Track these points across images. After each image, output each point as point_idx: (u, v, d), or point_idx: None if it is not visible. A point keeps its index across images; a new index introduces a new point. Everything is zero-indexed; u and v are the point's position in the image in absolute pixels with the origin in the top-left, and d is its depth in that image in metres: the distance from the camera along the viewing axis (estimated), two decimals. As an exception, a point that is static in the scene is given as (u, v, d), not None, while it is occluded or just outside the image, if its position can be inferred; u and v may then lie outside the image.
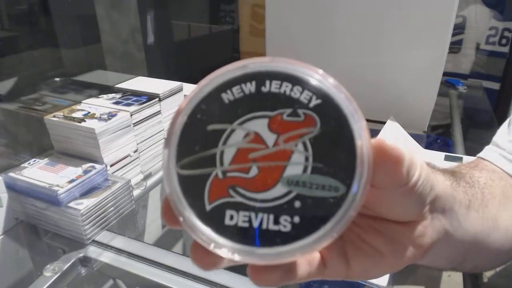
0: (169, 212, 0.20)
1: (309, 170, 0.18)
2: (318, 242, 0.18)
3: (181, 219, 0.19)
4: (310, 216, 0.18)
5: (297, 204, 0.18)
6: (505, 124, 0.46)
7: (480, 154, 0.44)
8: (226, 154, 0.18)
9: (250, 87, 0.18)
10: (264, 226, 0.18)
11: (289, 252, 0.18)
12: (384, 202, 0.22)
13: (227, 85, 0.19)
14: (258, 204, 0.18)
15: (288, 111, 0.18)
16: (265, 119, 0.18)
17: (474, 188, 0.32)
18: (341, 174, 0.18)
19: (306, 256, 0.19)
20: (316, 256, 0.23)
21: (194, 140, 0.19)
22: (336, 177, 0.18)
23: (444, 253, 0.29)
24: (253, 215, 0.18)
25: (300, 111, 0.18)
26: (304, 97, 0.18)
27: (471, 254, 0.32)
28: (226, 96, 0.19)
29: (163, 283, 0.54)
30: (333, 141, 0.18)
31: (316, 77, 0.19)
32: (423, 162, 0.22)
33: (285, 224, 0.18)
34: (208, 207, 0.18)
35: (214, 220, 0.18)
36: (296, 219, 0.18)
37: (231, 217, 0.18)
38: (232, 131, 0.18)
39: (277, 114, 0.18)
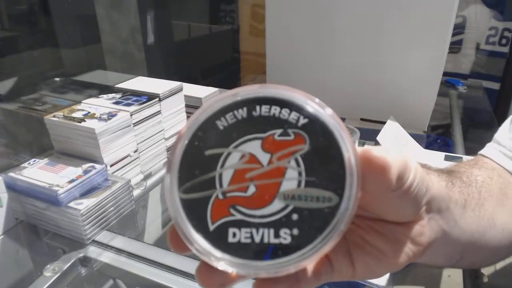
0: (175, 238, 0.21)
1: (303, 184, 0.19)
2: (318, 251, 0.19)
3: (186, 241, 0.20)
4: (308, 226, 0.19)
5: (295, 216, 0.19)
6: (507, 122, 0.47)
7: (481, 151, 0.44)
8: (224, 176, 0.20)
9: (242, 113, 0.20)
10: (265, 240, 0.19)
11: (292, 262, 0.19)
12: (382, 205, 0.23)
13: (221, 112, 0.20)
14: (258, 220, 0.20)
15: (279, 131, 0.20)
16: (258, 141, 0.20)
17: (471, 187, 0.33)
18: (333, 185, 0.19)
19: (310, 264, 0.20)
20: (324, 260, 0.24)
21: (194, 165, 0.20)
22: (328, 188, 0.19)
23: (442, 251, 0.30)
24: (254, 231, 0.19)
25: (289, 131, 0.20)
26: (292, 117, 0.20)
27: (468, 251, 0.32)
28: (221, 123, 0.20)
29: (163, 283, 0.54)
30: (322, 156, 0.19)
31: (301, 98, 0.20)
32: (418, 165, 0.22)
33: (285, 237, 0.19)
34: (211, 227, 0.20)
35: (218, 238, 0.20)
36: (295, 231, 0.19)
37: (234, 235, 0.20)
38: (229, 154, 0.20)
39: (269, 135, 0.20)
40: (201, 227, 0.20)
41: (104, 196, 0.62)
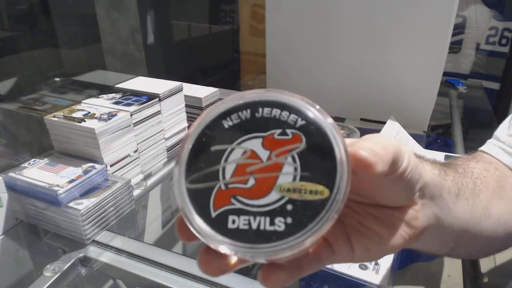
0: (182, 227, 0.23)
1: (298, 178, 0.21)
2: (310, 236, 0.21)
3: (191, 226, 0.22)
4: (300, 216, 0.21)
5: (289, 207, 0.21)
6: (507, 119, 0.48)
7: (481, 148, 0.46)
8: (227, 169, 0.22)
9: (246, 114, 0.22)
10: (261, 227, 0.21)
11: (286, 246, 0.21)
12: (378, 190, 0.25)
13: (227, 113, 0.22)
14: (255, 209, 0.22)
15: (278, 131, 0.22)
16: (259, 139, 0.22)
17: (466, 178, 0.34)
18: (325, 180, 0.21)
19: (303, 248, 0.21)
20: (324, 245, 0.26)
21: (200, 159, 0.22)
22: (321, 183, 0.21)
23: (436, 237, 0.31)
24: (252, 218, 0.21)
25: (288, 131, 0.22)
26: (291, 119, 0.22)
27: (463, 239, 0.34)
28: (226, 122, 0.22)
29: (163, 283, 0.54)
30: (316, 154, 0.22)
31: (300, 102, 0.22)
32: (411, 152, 0.24)
33: (279, 225, 0.21)
34: (213, 214, 0.22)
35: (219, 224, 0.21)
36: (289, 219, 0.21)
37: (233, 221, 0.21)
38: (232, 150, 0.22)
39: (269, 134, 0.22)
40: (204, 214, 0.22)
41: (104, 196, 0.62)
